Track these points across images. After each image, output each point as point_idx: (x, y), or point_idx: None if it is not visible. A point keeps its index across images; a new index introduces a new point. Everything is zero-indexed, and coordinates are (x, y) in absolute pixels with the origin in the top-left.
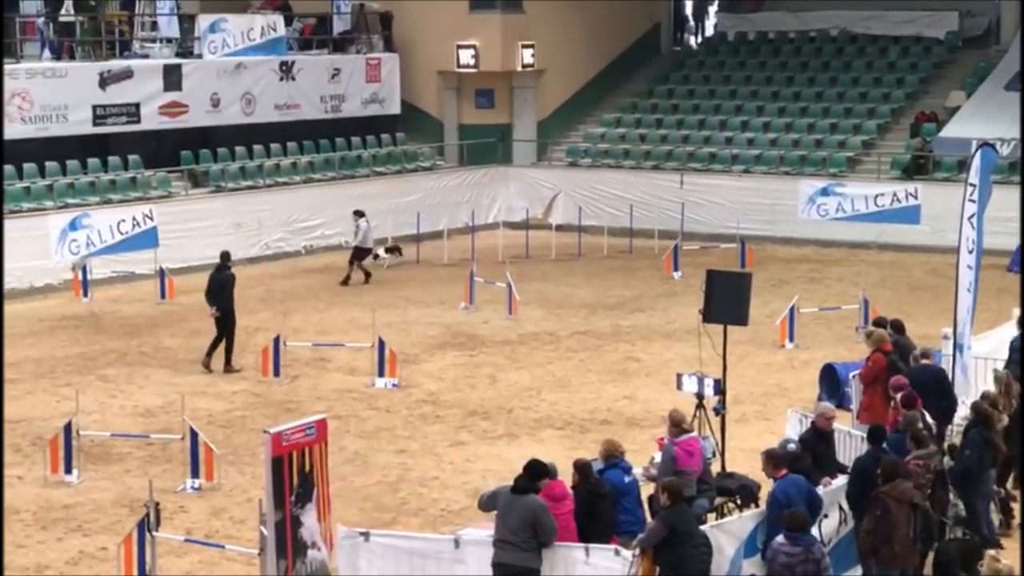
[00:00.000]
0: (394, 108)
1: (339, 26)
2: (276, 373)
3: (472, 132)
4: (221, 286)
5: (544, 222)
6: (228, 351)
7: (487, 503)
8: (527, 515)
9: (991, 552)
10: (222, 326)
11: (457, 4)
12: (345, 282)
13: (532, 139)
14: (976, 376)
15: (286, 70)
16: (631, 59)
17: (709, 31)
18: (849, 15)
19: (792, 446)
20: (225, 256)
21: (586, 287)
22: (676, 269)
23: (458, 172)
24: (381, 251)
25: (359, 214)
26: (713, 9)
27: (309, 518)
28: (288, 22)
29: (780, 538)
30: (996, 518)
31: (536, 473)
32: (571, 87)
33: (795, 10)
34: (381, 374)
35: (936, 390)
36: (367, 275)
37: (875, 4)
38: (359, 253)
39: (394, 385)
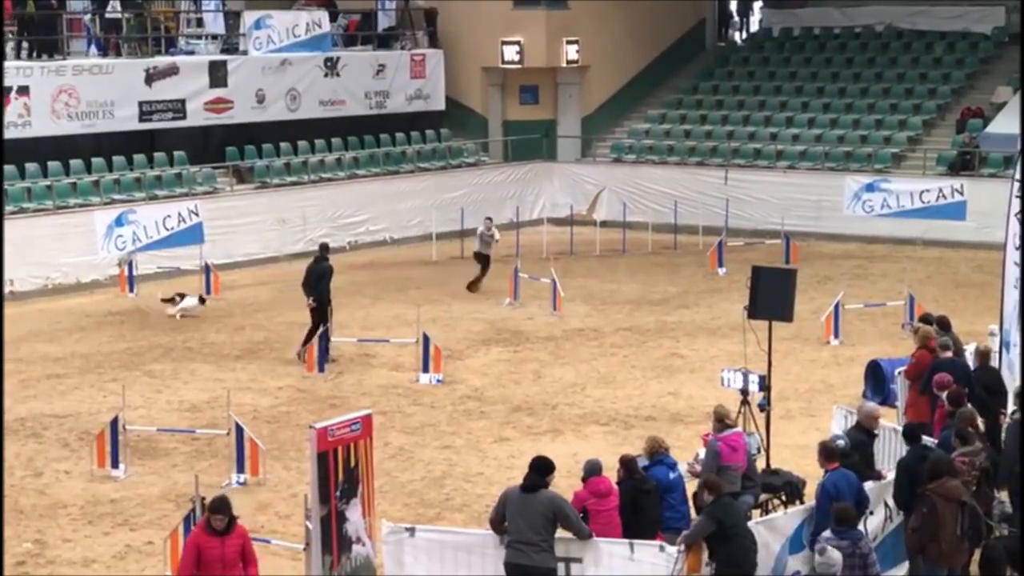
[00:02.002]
0: (438, 104)
1: (384, 22)
2: (321, 369)
3: (516, 128)
4: (320, 277)
5: (588, 218)
6: (308, 338)
7: (496, 512)
8: (547, 511)
9: None
10: (318, 316)
11: (502, 0)
12: (473, 286)
13: (576, 135)
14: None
15: (331, 66)
16: (676, 55)
17: (754, 27)
18: (895, 10)
19: (841, 442)
20: (324, 248)
21: (630, 283)
22: (720, 265)
23: (502, 168)
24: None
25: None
26: (758, 5)
27: (354, 513)
28: (333, 18)
29: (827, 532)
30: None
31: (545, 469)
32: (616, 83)
33: (841, 5)
34: (426, 370)
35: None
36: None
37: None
38: (479, 258)
39: (438, 381)
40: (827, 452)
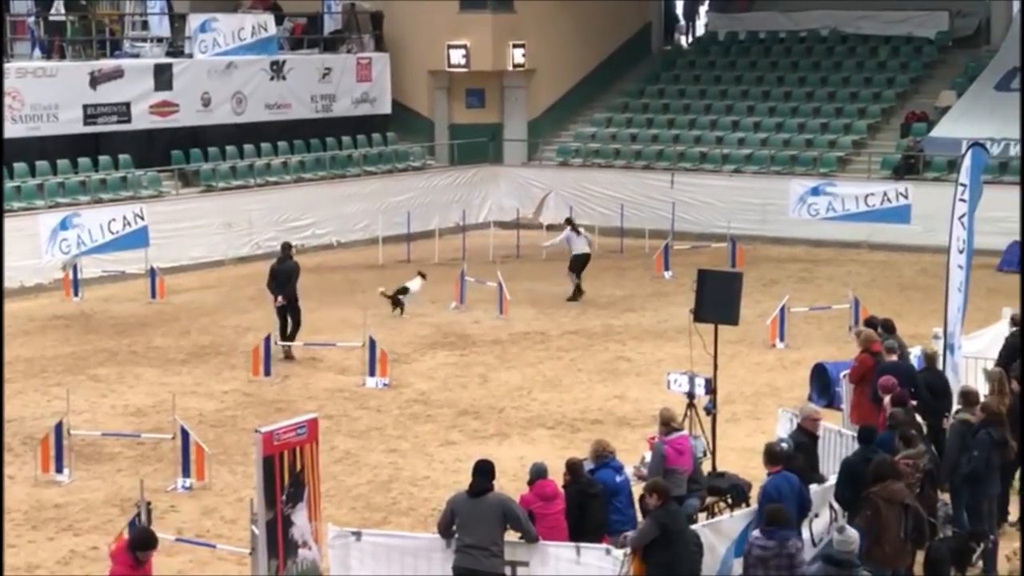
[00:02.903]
0: (385, 108)
1: (330, 25)
2: (267, 372)
3: (463, 132)
4: (288, 275)
5: (535, 222)
6: (292, 337)
7: (445, 519)
8: (497, 513)
9: (1016, 545)
10: (288, 314)
11: (448, 4)
12: (575, 296)
13: (523, 139)
14: (967, 376)
15: (277, 69)
16: (622, 59)
17: (700, 31)
18: (840, 15)
19: (784, 445)
20: (287, 247)
21: None
22: (667, 268)
23: (449, 172)
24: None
25: (569, 222)
26: (704, 9)
27: (300, 517)
28: (279, 21)
29: (756, 531)
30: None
31: (489, 472)
32: (562, 87)
33: (786, 10)
34: (372, 373)
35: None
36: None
37: (866, 4)
38: (573, 263)
39: (385, 385)
40: (771, 455)
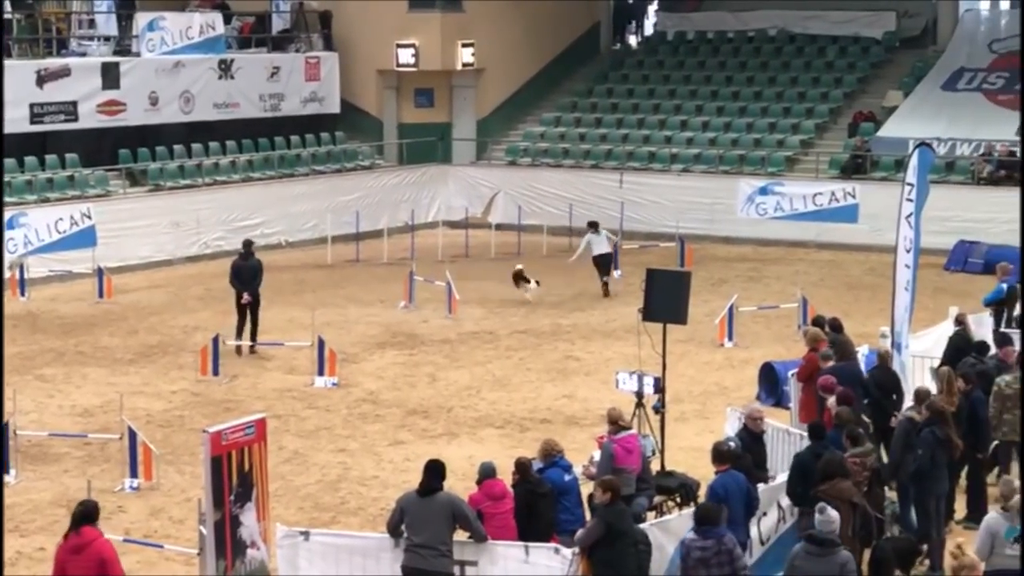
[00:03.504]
0: (334, 107)
1: (278, 24)
2: (215, 372)
3: (412, 131)
4: (254, 272)
5: (484, 221)
6: (254, 334)
7: (393, 518)
8: (446, 512)
9: (959, 540)
10: (251, 310)
11: (396, 3)
12: (606, 293)
13: (472, 138)
14: (913, 374)
15: (225, 68)
16: (571, 58)
17: (648, 30)
18: (788, 15)
19: (732, 444)
20: (249, 244)
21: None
22: (616, 268)
23: (398, 171)
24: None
25: (592, 226)
26: (652, 8)
27: (248, 518)
28: (227, 20)
29: (690, 533)
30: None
31: (439, 472)
32: (511, 86)
33: (734, 10)
34: (321, 373)
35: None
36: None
37: (814, 4)
38: (595, 263)
39: (334, 384)
40: (718, 454)
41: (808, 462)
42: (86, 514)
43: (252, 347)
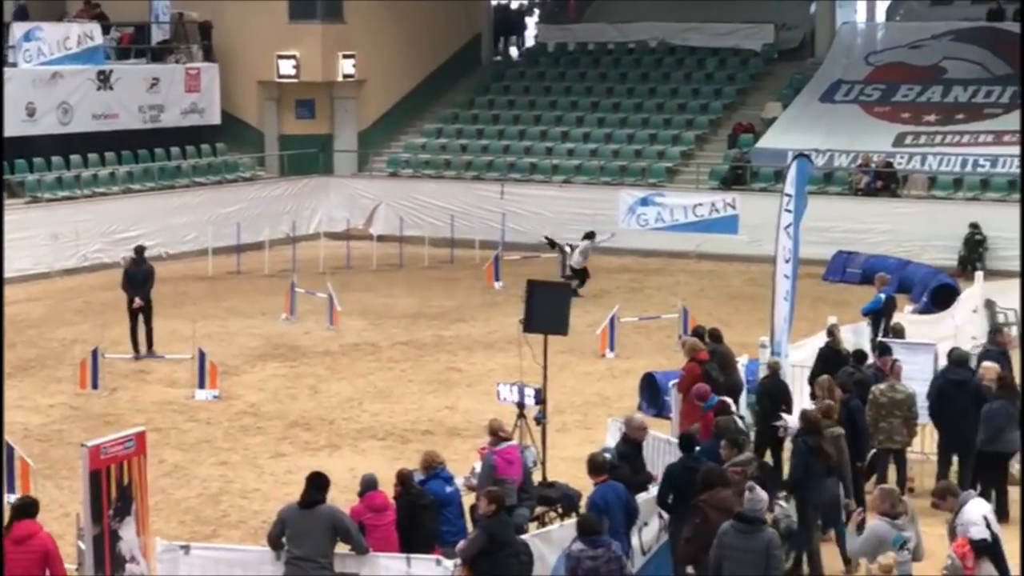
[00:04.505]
0: (214, 118)
1: (157, 35)
2: (95, 386)
3: (293, 142)
4: (145, 278)
5: (365, 232)
6: (149, 339)
7: (274, 530)
8: (327, 525)
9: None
10: (144, 315)
11: (276, 14)
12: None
13: (353, 149)
14: (793, 384)
15: (104, 79)
16: (452, 70)
17: (529, 42)
18: (668, 27)
19: (608, 455)
20: (141, 250)
21: (407, 297)
22: (497, 279)
23: (279, 183)
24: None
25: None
26: (533, 20)
27: (128, 532)
28: (105, 31)
29: (577, 544)
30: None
31: (322, 484)
32: (392, 97)
33: (615, 21)
34: (202, 386)
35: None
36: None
37: (693, 16)
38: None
39: (215, 397)
40: (595, 465)
41: (679, 472)
42: (24, 508)
43: (149, 350)
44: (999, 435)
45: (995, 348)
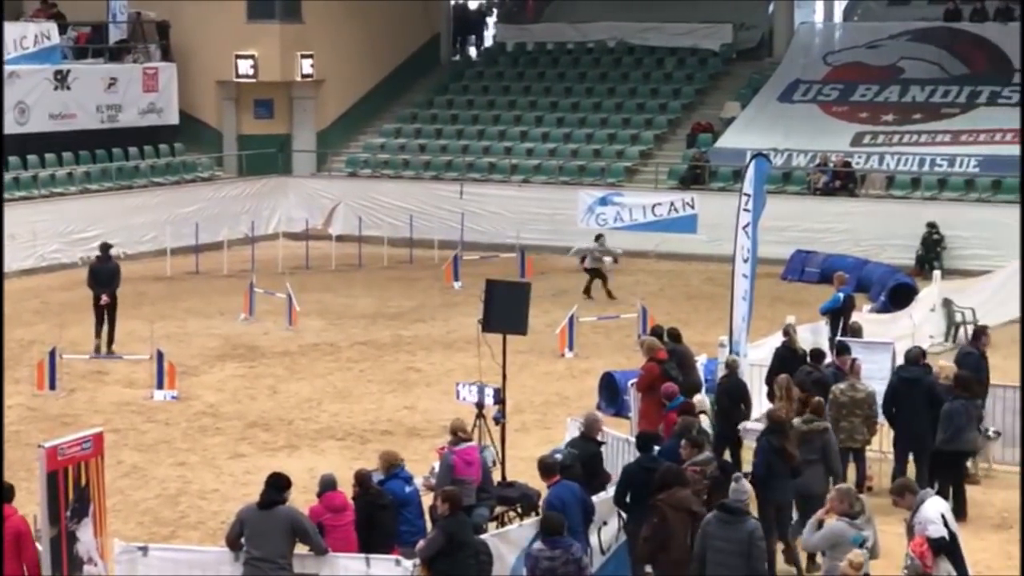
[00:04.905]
0: (172, 118)
1: (115, 35)
2: (52, 386)
3: (251, 142)
4: (111, 275)
5: (324, 233)
6: (111, 337)
7: (233, 531)
8: (285, 526)
9: (858, 551)
10: (109, 312)
11: (235, 13)
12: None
13: (312, 149)
14: (752, 383)
15: (61, 79)
16: (411, 69)
17: (488, 42)
18: (626, 27)
19: (559, 456)
20: (107, 247)
21: (367, 297)
22: (456, 279)
23: (237, 183)
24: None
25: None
26: (492, 20)
27: (85, 533)
28: (62, 30)
29: (538, 544)
30: None
31: (282, 485)
32: (351, 97)
33: (574, 21)
34: (160, 386)
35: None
36: (587, 291)
37: (652, 16)
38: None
39: (173, 397)
40: (546, 467)
41: (635, 473)
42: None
43: (110, 348)
44: (959, 435)
45: (976, 351)
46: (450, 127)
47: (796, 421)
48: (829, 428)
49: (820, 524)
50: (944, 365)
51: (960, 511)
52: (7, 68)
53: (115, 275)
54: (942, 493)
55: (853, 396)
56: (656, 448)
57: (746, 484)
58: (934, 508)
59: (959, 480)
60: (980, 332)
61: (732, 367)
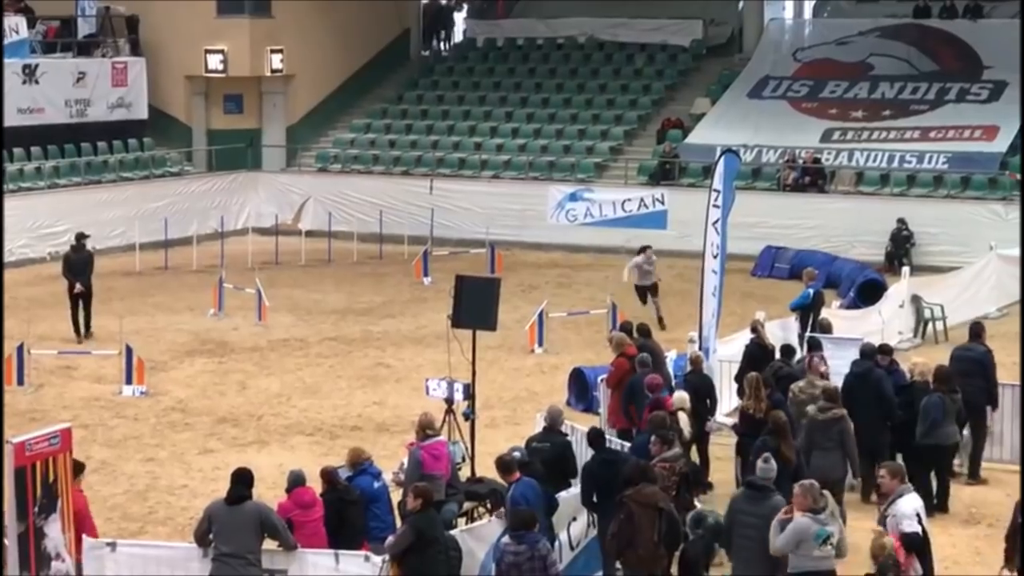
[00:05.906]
0: (141, 113)
1: (84, 29)
2: (20, 382)
3: (221, 137)
4: (85, 264)
5: (294, 228)
6: (87, 325)
7: (201, 527)
8: (254, 521)
9: (877, 528)
10: (84, 300)
11: (204, 8)
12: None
13: (282, 144)
14: (721, 379)
15: (29, 73)
16: (381, 65)
17: (458, 37)
18: (597, 22)
19: (517, 454)
20: (82, 236)
21: (336, 293)
22: (426, 275)
23: (207, 178)
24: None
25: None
26: (462, 15)
27: (53, 529)
28: (31, 24)
29: (506, 538)
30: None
31: (248, 480)
32: (321, 92)
33: (544, 16)
34: (129, 382)
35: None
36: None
37: (622, 12)
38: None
39: (142, 393)
40: (504, 466)
41: (595, 470)
42: None
43: (87, 332)
44: (935, 428)
45: (984, 347)
46: (420, 123)
47: (811, 409)
48: (845, 415)
49: (783, 525)
50: (918, 361)
51: (943, 506)
52: None
53: (89, 264)
54: (919, 488)
55: (812, 393)
56: (606, 441)
57: (772, 463)
58: (910, 504)
59: (941, 474)
60: (980, 329)
61: (696, 363)
